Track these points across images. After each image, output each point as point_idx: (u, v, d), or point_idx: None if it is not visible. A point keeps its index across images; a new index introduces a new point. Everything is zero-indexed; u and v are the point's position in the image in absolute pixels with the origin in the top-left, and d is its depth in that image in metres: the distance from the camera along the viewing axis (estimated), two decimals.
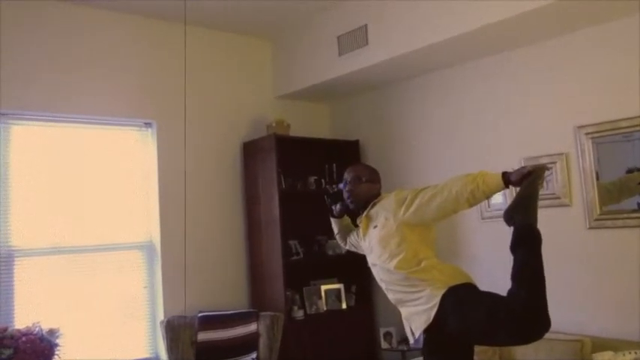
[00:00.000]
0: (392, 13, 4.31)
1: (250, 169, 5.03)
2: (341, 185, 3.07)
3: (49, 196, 4.15)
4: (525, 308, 2.27)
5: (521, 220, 2.40)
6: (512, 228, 2.45)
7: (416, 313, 2.61)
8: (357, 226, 3.10)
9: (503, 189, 2.45)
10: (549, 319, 2.27)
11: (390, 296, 2.79)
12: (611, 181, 3.70)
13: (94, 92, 4.34)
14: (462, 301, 2.49)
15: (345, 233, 3.26)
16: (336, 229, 3.30)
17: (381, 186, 3.05)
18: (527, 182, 2.39)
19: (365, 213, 2.93)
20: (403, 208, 2.67)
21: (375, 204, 2.90)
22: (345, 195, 3.03)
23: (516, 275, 2.35)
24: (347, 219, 3.26)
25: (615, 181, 3.69)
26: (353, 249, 3.25)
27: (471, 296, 2.52)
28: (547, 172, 2.51)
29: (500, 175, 2.40)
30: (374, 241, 2.80)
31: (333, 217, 3.24)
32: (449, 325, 2.48)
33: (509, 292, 2.34)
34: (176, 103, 4.72)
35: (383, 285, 2.82)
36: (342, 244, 3.36)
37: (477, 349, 3.48)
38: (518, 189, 2.46)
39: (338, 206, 3.17)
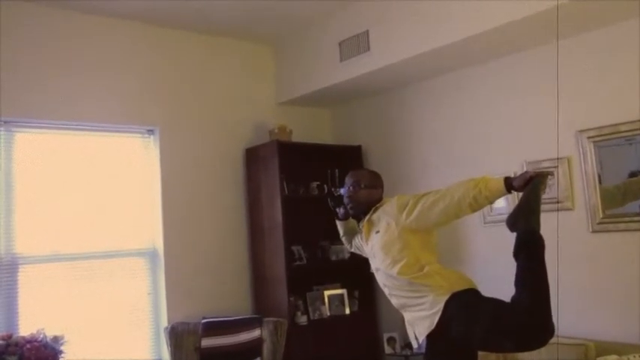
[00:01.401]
0: (393, 19, 4.32)
1: (253, 175, 5.04)
2: (342, 190, 3.08)
3: (52, 203, 4.16)
4: (528, 314, 2.27)
5: (524, 225, 2.40)
6: (514, 233, 2.45)
7: (419, 318, 2.61)
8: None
9: (505, 194, 2.46)
10: (553, 326, 2.27)
11: (394, 301, 2.80)
12: (615, 185, 3.70)
13: (97, 99, 4.35)
14: (465, 307, 2.49)
15: (351, 236, 3.26)
16: (341, 232, 3.31)
17: (383, 190, 3.05)
18: (529, 188, 2.39)
19: (367, 218, 2.93)
20: (405, 214, 2.68)
21: (376, 209, 2.91)
22: (345, 200, 3.04)
23: (519, 281, 2.35)
24: (352, 221, 3.26)
25: (619, 184, 3.68)
26: (358, 252, 3.26)
27: (475, 302, 2.52)
28: (550, 178, 2.50)
29: (503, 180, 2.40)
30: (376, 246, 2.80)
31: (338, 219, 3.25)
32: (452, 330, 2.48)
33: (513, 298, 2.34)
34: (178, 110, 4.75)
35: (386, 290, 2.82)
36: (347, 247, 3.37)
37: (481, 354, 3.48)
38: (521, 194, 2.47)
39: (342, 209, 3.17)
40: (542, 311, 2.27)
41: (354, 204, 3.00)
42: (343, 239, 3.34)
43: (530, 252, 2.37)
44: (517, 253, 2.40)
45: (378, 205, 2.93)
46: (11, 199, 3.99)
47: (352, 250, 3.32)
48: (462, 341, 2.53)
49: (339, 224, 3.28)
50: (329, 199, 3.27)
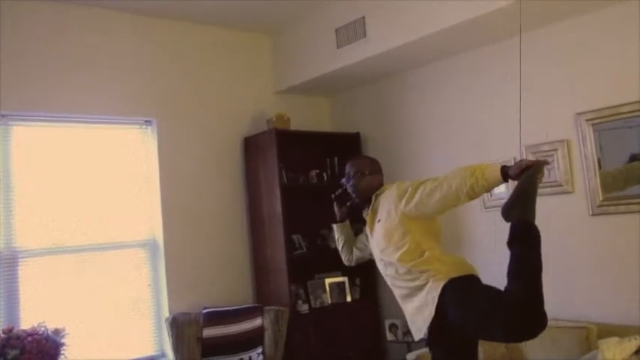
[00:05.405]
0: (389, 4, 4.29)
1: (251, 164, 5.02)
2: (344, 180, 3.06)
3: (51, 196, 4.15)
4: (521, 306, 2.23)
5: (519, 215, 2.36)
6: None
7: (419, 310, 2.60)
8: (361, 222, 3.08)
9: (502, 183, 2.41)
10: (546, 318, 2.24)
11: (396, 292, 2.77)
12: (618, 168, 3.68)
13: (94, 91, 4.33)
14: (460, 294, 2.47)
15: (350, 243, 3.21)
16: (340, 243, 3.23)
17: (383, 175, 3.04)
18: (525, 177, 2.34)
19: (370, 207, 2.91)
20: (404, 201, 2.66)
21: (377, 195, 2.89)
22: (350, 189, 3.01)
23: (511, 272, 2.32)
24: (348, 226, 3.23)
25: (621, 168, 3.66)
26: (361, 258, 3.19)
27: (470, 289, 2.50)
28: (546, 167, 2.46)
29: (499, 169, 2.36)
30: (379, 235, 2.78)
31: (336, 222, 3.20)
32: (448, 317, 2.46)
33: (506, 288, 2.31)
34: (176, 101, 4.73)
35: (388, 280, 2.81)
36: (346, 261, 3.26)
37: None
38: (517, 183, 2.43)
39: (342, 209, 3.15)
40: (534, 303, 2.23)
41: (360, 192, 2.97)
42: (342, 252, 3.24)
43: (524, 243, 2.33)
44: (511, 243, 2.36)
45: (378, 191, 2.91)
46: (10, 192, 3.98)
47: (354, 259, 3.22)
48: (458, 329, 2.51)
49: (336, 231, 3.22)
50: (333, 196, 3.20)
